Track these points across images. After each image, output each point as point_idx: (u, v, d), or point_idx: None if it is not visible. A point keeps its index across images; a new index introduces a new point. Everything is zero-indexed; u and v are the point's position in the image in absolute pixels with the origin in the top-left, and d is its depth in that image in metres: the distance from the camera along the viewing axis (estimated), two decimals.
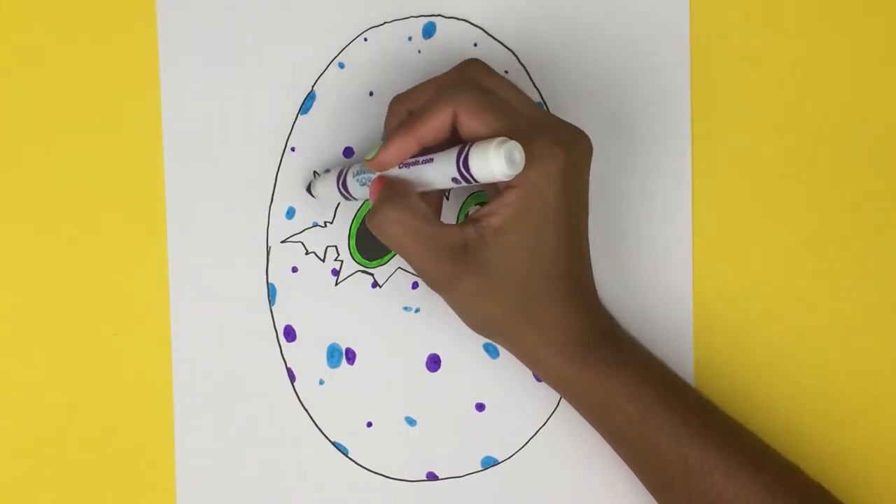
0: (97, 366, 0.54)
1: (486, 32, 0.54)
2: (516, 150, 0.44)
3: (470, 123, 0.46)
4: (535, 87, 0.54)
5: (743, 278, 0.54)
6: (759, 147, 0.54)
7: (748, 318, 0.54)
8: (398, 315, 0.54)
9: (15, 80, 0.54)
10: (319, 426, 0.54)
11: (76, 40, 0.54)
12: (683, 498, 0.49)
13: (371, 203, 0.48)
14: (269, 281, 0.54)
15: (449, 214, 0.54)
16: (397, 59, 0.54)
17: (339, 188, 0.51)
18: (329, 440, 0.54)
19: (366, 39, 0.54)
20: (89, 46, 0.54)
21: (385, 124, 0.50)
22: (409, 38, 0.54)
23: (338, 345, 0.54)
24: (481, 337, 0.54)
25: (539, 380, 0.54)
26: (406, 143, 0.47)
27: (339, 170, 0.52)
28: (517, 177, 0.45)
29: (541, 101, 0.54)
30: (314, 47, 0.54)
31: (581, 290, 0.49)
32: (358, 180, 0.50)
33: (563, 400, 0.54)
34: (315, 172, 0.54)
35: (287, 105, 0.54)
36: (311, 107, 0.54)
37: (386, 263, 0.54)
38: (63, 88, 0.54)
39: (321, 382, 0.54)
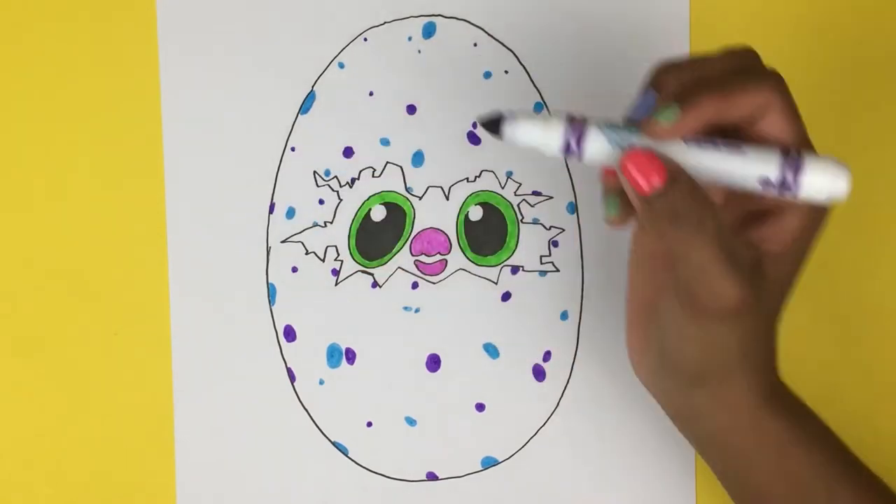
0: (97, 366, 0.54)
1: (486, 32, 0.54)
2: (848, 178, 0.39)
3: (780, 120, 0.39)
4: (535, 87, 0.54)
5: None
6: None
7: None
8: (398, 315, 0.54)
9: (15, 80, 0.54)
10: (319, 426, 0.54)
11: (76, 40, 0.54)
12: None
13: (627, 187, 0.38)
14: (269, 281, 0.54)
15: (448, 218, 0.54)
16: (397, 59, 0.54)
17: (567, 139, 0.39)
18: (329, 440, 0.54)
19: (366, 39, 0.54)
20: (89, 46, 0.54)
21: (658, 83, 0.40)
22: (409, 38, 0.54)
23: (338, 345, 0.54)
24: (481, 337, 0.54)
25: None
26: (712, 108, 0.37)
27: (564, 114, 0.40)
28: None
29: (541, 100, 0.54)
30: (314, 47, 0.54)
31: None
32: (614, 140, 0.39)
33: (562, 400, 0.54)
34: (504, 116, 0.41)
35: (287, 105, 0.54)
36: (311, 107, 0.54)
37: (386, 263, 0.54)
38: (63, 88, 0.54)
39: (321, 382, 0.54)
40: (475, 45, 0.54)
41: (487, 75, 0.54)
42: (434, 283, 0.54)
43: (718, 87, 0.38)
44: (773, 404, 0.42)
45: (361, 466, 0.54)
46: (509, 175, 0.54)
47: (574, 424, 0.54)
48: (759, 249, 0.40)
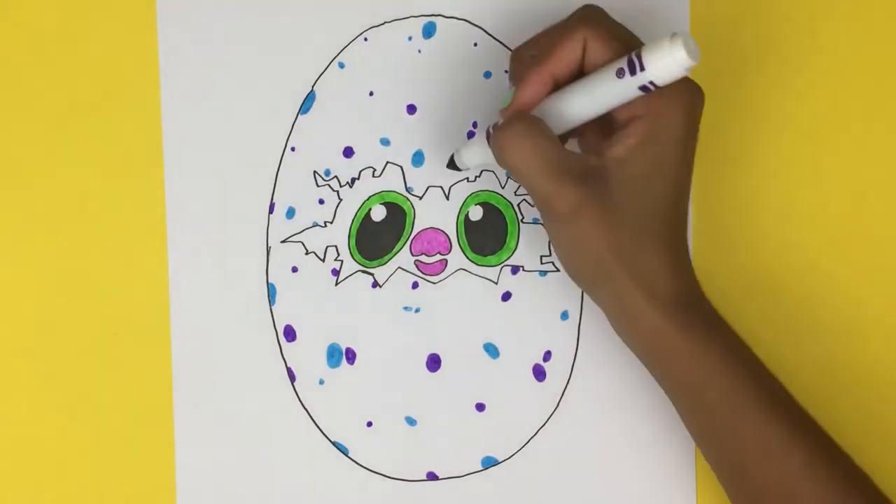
0: (97, 366, 0.54)
1: (486, 32, 0.54)
2: (691, 41, 0.42)
3: (600, 51, 0.45)
4: None
5: (743, 278, 0.54)
6: (759, 146, 0.54)
7: (748, 317, 0.54)
8: (398, 315, 0.54)
9: (15, 81, 0.54)
10: (319, 426, 0.54)
11: (76, 40, 0.54)
12: (757, 485, 0.46)
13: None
14: (269, 281, 0.54)
15: (448, 218, 0.54)
16: (397, 59, 0.54)
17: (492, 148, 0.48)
18: (329, 440, 0.54)
19: (366, 39, 0.54)
20: (89, 46, 0.54)
21: (512, 74, 0.48)
22: (409, 38, 0.54)
23: (338, 345, 0.54)
24: (481, 337, 0.54)
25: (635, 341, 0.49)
26: (542, 78, 0.45)
27: (485, 132, 0.49)
28: (642, 106, 0.44)
29: None
30: (314, 47, 0.54)
31: (683, 242, 0.47)
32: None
33: (562, 400, 0.54)
34: (453, 155, 0.51)
35: (287, 105, 0.54)
36: (311, 107, 0.54)
37: (386, 263, 0.54)
38: (63, 88, 0.54)
39: (321, 382, 0.54)
40: (475, 45, 0.54)
41: (487, 75, 0.54)
42: (434, 283, 0.54)
43: (539, 60, 0.45)
44: (671, 310, 0.46)
45: (361, 466, 0.54)
46: (509, 175, 0.54)
47: (574, 424, 0.54)
48: (605, 156, 0.45)
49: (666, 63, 0.42)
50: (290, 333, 0.54)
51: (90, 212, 0.54)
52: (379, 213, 0.54)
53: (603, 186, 0.45)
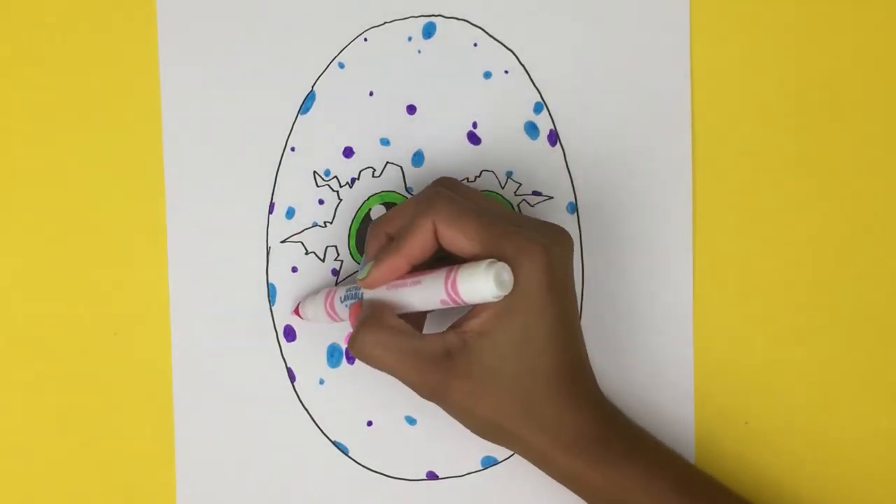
0: (97, 366, 0.54)
1: (486, 32, 0.54)
2: (504, 272, 0.45)
3: (448, 233, 0.47)
4: (536, 86, 0.54)
5: (743, 278, 0.54)
6: (759, 147, 0.54)
7: (748, 317, 0.54)
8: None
9: (15, 81, 0.54)
10: (319, 426, 0.54)
11: (76, 40, 0.54)
12: None
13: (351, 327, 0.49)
14: (269, 281, 0.54)
15: None
16: (397, 59, 0.54)
17: (326, 310, 0.51)
18: (329, 440, 0.54)
19: (366, 39, 0.54)
20: (89, 46, 0.54)
21: (366, 248, 0.50)
22: (409, 38, 0.54)
23: (338, 344, 0.54)
24: None
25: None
26: (395, 263, 0.47)
27: (325, 292, 0.52)
28: None
29: (541, 100, 0.54)
30: (314, 47, 0.54)
31: (581, 382, 0.49)
32: (345, 305, 0.50)
33: None
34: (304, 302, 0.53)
35: (287, 105, 0.54)
36: (311, 107, 0.54)
37: None
38: (63, 88, 0.54)
39: (321, 382, 0.54)
40: (475, 45, 0.54)
41: (487, 75, 0.54)
42: None
43: (395, 245, 0.48)
44: (578, 450, 0.48)
45: (361, 466, 0.54)
46: (509, 175, 0.54)
47: None
48: (465, 332, 0.47)
49: (477, 291, 0.45)
50: (290, 333, 0.54)
51: (90, 212, 0.54)
52: (379, 213, 0.54)
53: (466, 361, 0.47)
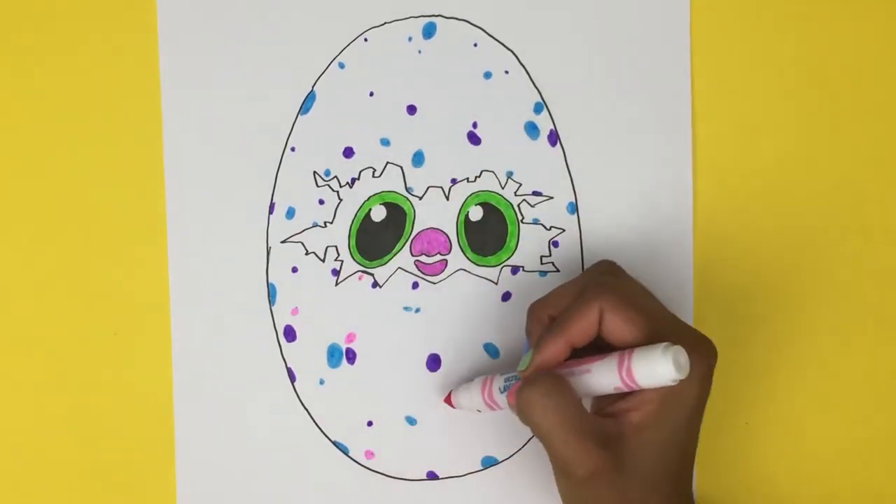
0: (97, 366, 0.54)
1: (486, 32, 0.54)
2: (681, 355, 0.44)
3: (615, 320, 0.46)
4: (536, 87, 0.54)
5: (743, 278, 0.54)
6: (759, 147, 0.54)
7: (748, 317, 0.54)
8: (398, 315, 0.54)
9: (15, 81, 0.54)
10: (319, 426, 0.54)
11: (76, 41, 0.54)
12: None
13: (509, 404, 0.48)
14: (269, 281, 0.54)
15: (448, 218, 0.54)
16: (397, 59, 0.54)
17: (484, 400, 0.51)
18: (329, 440, 0.54)
19: (366, 39, 0.54)
20: (89, 47, 0.54)
21: (528, 331, 0.50)
22: (409, 39, 0.54)
23: (338, 345, 0.54)
24: (481, 337, 0.54)
25: None
26: (557, 346, 0.47)
27: (481, 381, 0.51)
28: None
29: (541, 100, 0.54)
30: (314, 47, 0.54)
31: (688, 489, 0.48)
32: (504, 395, 0.50)
33: None
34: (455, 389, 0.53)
35: (287, 105, 0.54)
36: (311, 107, 0.54)
37: (386, 264, 0.54)
38: (63, 89, 0.54)
39: (321, 382, 0.54)
40: (475, 45, 0.54)
41: (487, 75, 0.54)
42: (434, 283, 0.54)
43: (557, 328, 0.47)
44: None
45: (361, 466, 0.54)
46: (509, 175, 0.54)
47: None
48: (622, 422, 0.46)
49: (656, 374, 0.44)
50: (290, 333, 0.54)
51: (90, 212, 0.54)
52: (379, 214, 0.54)
53: (619, 451, 0.46)
